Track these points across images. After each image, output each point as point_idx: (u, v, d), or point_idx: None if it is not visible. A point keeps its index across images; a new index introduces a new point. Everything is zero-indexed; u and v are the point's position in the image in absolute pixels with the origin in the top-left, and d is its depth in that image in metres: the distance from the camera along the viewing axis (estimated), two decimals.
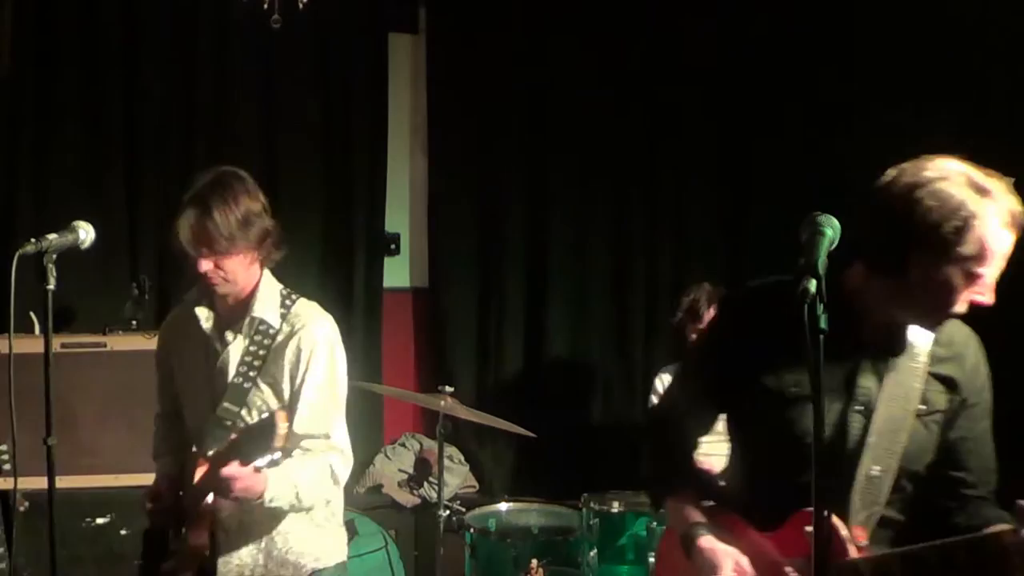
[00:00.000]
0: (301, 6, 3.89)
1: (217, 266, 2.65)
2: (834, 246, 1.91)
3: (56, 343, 3.86)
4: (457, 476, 5.27)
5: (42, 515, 2.49)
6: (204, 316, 2.79)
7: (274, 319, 2.75)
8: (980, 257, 1.95)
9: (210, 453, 2.60)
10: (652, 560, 3.77)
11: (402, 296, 5.69)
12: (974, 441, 2.18)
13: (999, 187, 1.96)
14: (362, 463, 5.32)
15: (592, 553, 3.91)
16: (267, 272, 2.79)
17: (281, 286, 2.81)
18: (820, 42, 4.78)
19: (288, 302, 2.79)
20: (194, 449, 2.75)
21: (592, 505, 4.00)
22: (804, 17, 4.83)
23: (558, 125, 5.48)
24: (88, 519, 4.14)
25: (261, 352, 2.73)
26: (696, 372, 2.38)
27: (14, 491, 2.67)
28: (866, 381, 2.12)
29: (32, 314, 4.16)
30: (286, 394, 2.72)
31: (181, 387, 2.89)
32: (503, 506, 4.24)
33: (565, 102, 5.45)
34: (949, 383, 2.15)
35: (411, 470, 5.26)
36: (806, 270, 1.80)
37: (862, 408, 2.11)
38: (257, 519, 2.72)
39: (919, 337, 2.13)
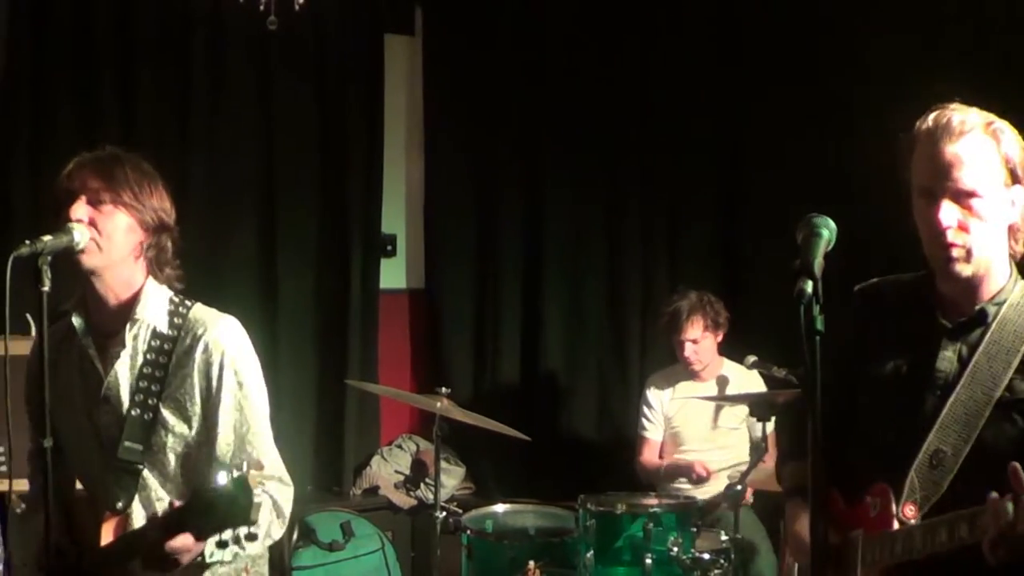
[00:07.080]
0: (297, 7, 3.88)
1: (93, 221, 2.25)
2: (830, 247, 1.90)
3: None
4: (453, 477, 5.26)
5: None
6: (79, 325, 2.37)
7: (163, 325, 2.34)
8: (924, 173, 2.04)
9: (160, 513, 2.16)
10: (648, 562, 3.77)
11: (398, 297, 5.68)
12: None
13: (951, 110, 2.05)
14: (358, 465, 5.33)
15: (589, 554, 3.90)
16: (152, 279, 2.38)
17: (172, 292, 2.41)
18: (820, 50, 4.76)
19: (182, 308, 2.39)
20: (79, 492, 2.40)
21: (589, 506, 3.98)
22: (803, 26, 4.82)
23: (554, 126, 5.47)
24: None
25: (158, 372, 2.32)
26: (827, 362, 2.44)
27: (9, 493, 2.66)
28: (944, 362, 2.09)
29: (28, 316, 4.15)
30: (195, 419, 2.33)
31: (56, 416, 2.30)
32: (500, 507, 4.23)
33: (562, 104, 5.44)
34: None
35: (408, 471, 5.26)
36: (802, 271, 1.79)
37: (939, 388, 2.07)
38: None
39: (1019, 324, 2.07)
